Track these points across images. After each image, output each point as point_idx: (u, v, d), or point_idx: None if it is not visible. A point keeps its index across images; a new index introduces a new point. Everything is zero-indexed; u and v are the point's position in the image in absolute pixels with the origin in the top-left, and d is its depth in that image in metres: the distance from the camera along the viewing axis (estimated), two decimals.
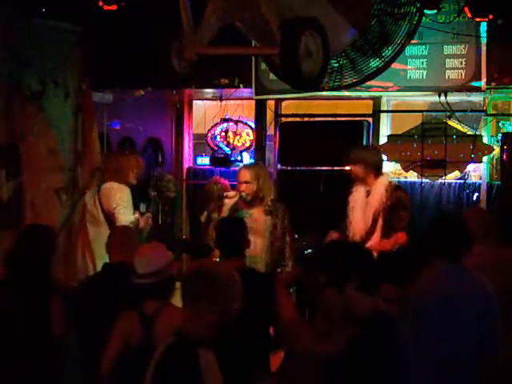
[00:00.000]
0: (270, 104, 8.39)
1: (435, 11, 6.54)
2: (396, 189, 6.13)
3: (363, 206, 6.11)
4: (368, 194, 6.12)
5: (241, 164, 8.54)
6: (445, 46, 7.39)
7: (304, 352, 3.30)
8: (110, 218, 6.26)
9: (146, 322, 3.89)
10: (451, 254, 3.85)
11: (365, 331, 3.02)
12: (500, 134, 7.62)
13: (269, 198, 5.97)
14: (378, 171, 6.15)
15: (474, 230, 4.02)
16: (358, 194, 6.19)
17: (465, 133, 7.59)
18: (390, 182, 6.20)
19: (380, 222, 6.02)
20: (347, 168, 6.26)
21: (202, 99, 9.14)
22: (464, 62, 7.34)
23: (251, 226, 4.99)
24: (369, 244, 5.90)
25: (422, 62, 7.50)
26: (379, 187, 6.08)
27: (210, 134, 8.73)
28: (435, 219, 4.21)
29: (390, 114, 8.14)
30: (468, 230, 3.91)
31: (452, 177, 7.77)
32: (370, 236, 6.09)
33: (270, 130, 8.44)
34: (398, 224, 5.99)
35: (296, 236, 6.30)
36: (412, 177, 8.01)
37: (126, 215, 6.22)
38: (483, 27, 7.15)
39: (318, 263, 3.25)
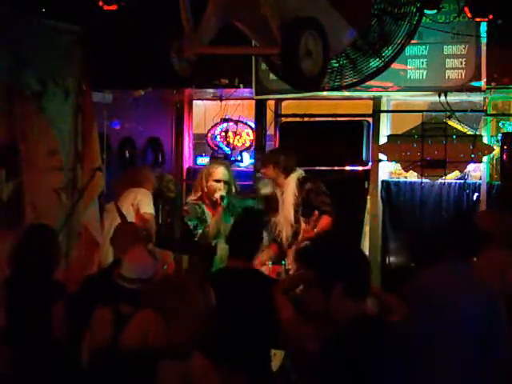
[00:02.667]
0: (270, 104, 8.38)
1: (435, 11, 6.56)
2: (304, 181, 6.29)
3: (281, 206, 6.22)
4: (282, 194, 6.26)
5: (241, 164, 8.56)
6: (445, 46, 7.40)
7: (302, 352, 3.26)
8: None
9: (119, 322, 3.87)
10: (462, 252, 3.85)
11: (343, 333, 2.90)
12: (500, 134, 7.62)
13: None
14: (287, 171, 6.29)
15: (488, 232, 4.01)
16: None
17: (465, 133, 7.59)
18: (299, 178, 6.30)
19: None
20: (347, 168, 6.30)
21: (202, 99, 9.13)
22: (464, 62, 7.34)
23: None
24: (300, 238, 6.04)
25: (422, 62, 7.50)
26: (290, 184, 6.26)
27: (210, 134, 8.73)
28: (450, 220, 4.23)
29: (390, 113, 8.14)
30: (478, 231, 3.91)
31: (452, 177, 7.77)
32: (299, 234, 6.17)
33: (270, 130, 8.44)
34: (323, 207, 6.14)
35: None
36: (412, 177, 8.00)
37: (148, 205, 6.69)
38: (483, 27, 7.15)
39: (308, 260, 3.08)
